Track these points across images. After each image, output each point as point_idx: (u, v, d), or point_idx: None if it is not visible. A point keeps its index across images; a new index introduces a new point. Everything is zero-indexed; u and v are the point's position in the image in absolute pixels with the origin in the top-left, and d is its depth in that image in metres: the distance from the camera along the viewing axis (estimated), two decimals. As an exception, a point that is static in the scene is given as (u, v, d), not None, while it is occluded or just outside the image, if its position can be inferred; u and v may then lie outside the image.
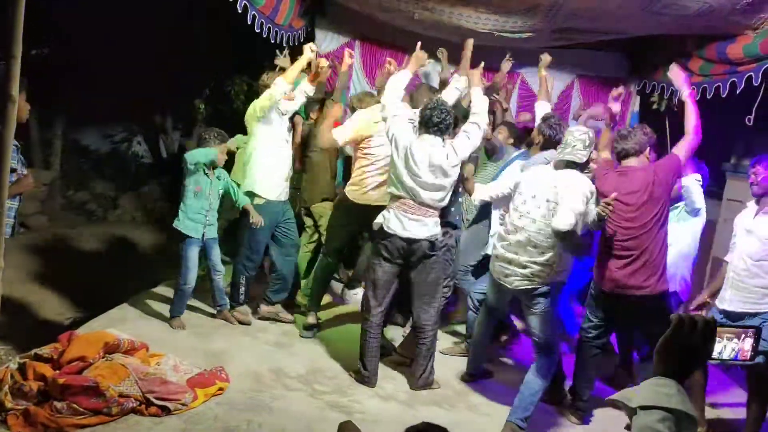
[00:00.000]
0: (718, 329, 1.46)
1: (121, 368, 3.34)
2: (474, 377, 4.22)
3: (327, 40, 6.18)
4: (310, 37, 6.11)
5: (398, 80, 3.95)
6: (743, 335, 1.52)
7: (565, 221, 3.29)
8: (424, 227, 3.74)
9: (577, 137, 3.53)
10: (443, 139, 3.73)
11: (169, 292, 5.09)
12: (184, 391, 3.37)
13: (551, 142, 3.97)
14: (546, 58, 4.91)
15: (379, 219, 3.83)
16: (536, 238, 3.51)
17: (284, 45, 5.54)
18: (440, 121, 3.68)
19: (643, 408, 1.32)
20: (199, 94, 8.11)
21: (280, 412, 3.47)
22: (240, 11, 4.24)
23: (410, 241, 3.74)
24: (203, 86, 8.10)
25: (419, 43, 4.24)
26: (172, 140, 9.23)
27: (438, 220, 3.83)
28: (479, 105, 3.88)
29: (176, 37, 7.35)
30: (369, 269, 3.95)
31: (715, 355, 1.48)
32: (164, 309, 4.65)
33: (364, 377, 3.94)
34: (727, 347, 1.51)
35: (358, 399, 3.78)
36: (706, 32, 4.67)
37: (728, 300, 3.55)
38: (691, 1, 4.14)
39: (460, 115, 4.10)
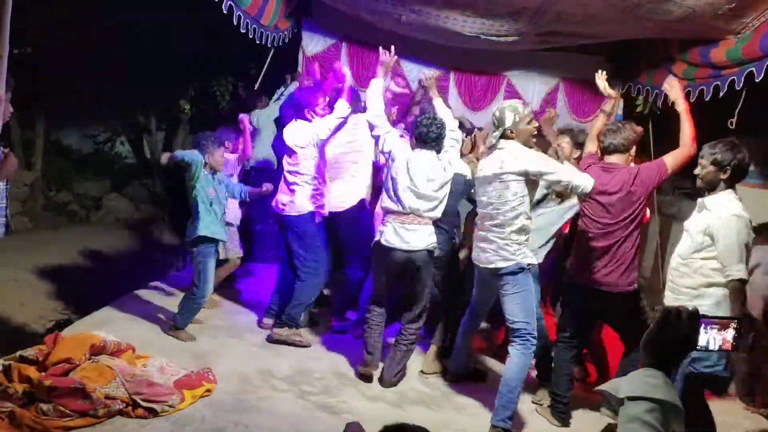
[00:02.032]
0: (703, 320, 1.50)
1: (108, 370, 3.31)
2: (459, 377, 4.19)
3: (313, 42, 6.19)
4: (296, 39, 6.13)
5: (375, 91, 4.02)
6: (727, 326, 1.56)
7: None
8: (422, 237, 3.82)
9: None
10: (437, 153, 3.83)
11: (154, 293, 5.09)
12: (171, 393, 3.35)
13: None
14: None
15: (377, 236, 3.92)
16: (496, 214, 3.54)
17: (270, 46, 5.55)
18: (437, 136, 3.80)
19: (631, 399, 1.35)
20: (184, 94, 8.07)
21: (268, 412, 3.46)
22: (225, 12, 4.22)
23: (410, 252, 3.81)
24: (188, 86, 8.06)
25: (381, 48, 4.18)
26: (156, 141, 9.16)
27: (433, 229, 3.89)
28: (447, 117, 3.94)
29: (161, 37, 7.31)
30: (373, 281, 4.09)
31: (700, 345, 1.52)
32: (151, 310, 4.63)
33: (367, 361, 4.04)
34: (711, 338, 1.54)
35: (345, 399, 3.78)
36: (688, 36, 4.74)
37: (668, 302, 3.36)
38: (673, 6, 4.19)
39: None
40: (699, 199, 3.30)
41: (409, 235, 3.80)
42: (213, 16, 4.36)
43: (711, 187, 3.16)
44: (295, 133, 4.36)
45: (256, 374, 3.92)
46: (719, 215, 3.08)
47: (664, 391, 1.38)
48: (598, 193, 3.55)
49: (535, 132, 3.62)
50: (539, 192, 3.87)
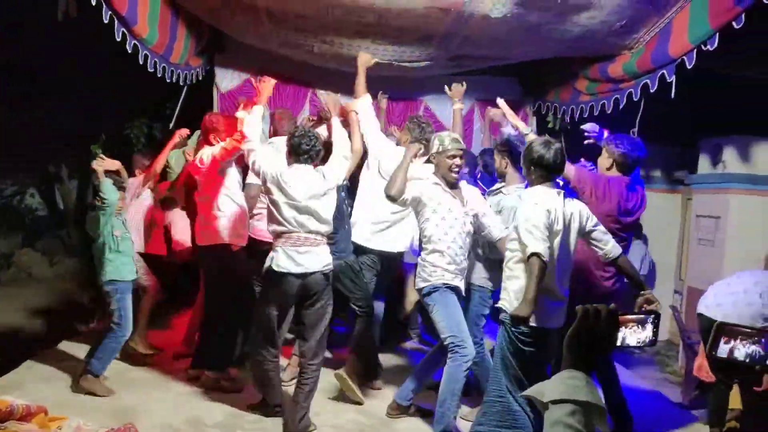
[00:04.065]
0: (621, 318, 1.52)
1: (16, 437, 3.04)
2: (402, 410, 3.94)
3: (227, 78, 6.10)
4: (209, 75, 6.03)
5: (255, 116, 3.90)
6: (645, 322, 1.58)
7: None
8: (316, 258, 3.61)
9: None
10: (314, 167, 3.69)
11: (70, 351, 4.78)
12: (89, 454, 3.10)
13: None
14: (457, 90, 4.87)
15: (267, 261, 3.65)
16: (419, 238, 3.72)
17: (182, 84, 5.43)
18: (310, 148, 3.63)
19: (554, 402, 1.34)
20: (96, 139, 7.75)
21: (199, 463, 3.28)
22: (130, 51, 4.09)
23: (304, 276, 3.58)
24: (100, 130, 7.76)
25: (273, 81, 4.19)
26: (68, 189, 8.74)
27: (327, 248, 3.72)
28: (338, 135, 3.95)
29: (67, 79, 7.02)
30: (260, 313, 3.72)
31: (619, 343, 1.53)
32: (66, 369, 4.35)
33: (278, 411, 3.79)
34: (629, 334, 1.56)
35: (281, 440, 3.63)
36: (588, 54, 5.00)
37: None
38: (571, 25, 4.41)
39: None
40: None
41: (302, 257, 3.56)
42: (121, 56, 4.21)
43: (531, 185, 3.33)
44: (198, 157, 4.25)
45: (185, 424, 3.71)
46: (522, 205, 3.24)
47: (586, 392, 1.38)
48: (624, 213, 3.64)
49: (456, 169, 3.65)
50: None
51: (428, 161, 3.76)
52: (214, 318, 4.30)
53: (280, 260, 3.56)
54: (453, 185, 3.69)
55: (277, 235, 3.63)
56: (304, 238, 3.59)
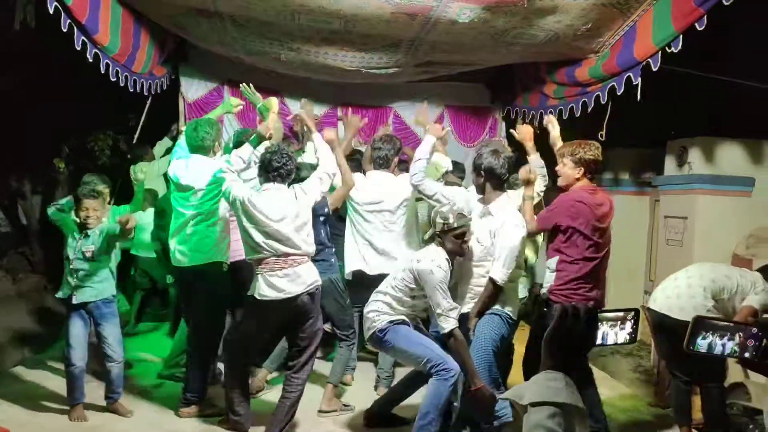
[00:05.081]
0: (601, 315, 1.51)
1: (-25, 462, 2.91)
2: (375, 421, 3.91)
3: (193, 87, 6.00)
4: (174, 85, 5.93)
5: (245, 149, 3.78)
6: (624, 320, 1.57)
7: None
8: (297, 280, 3.47)
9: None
10: (287, 185, 3.56)
11: (33, 371, 4.64)
12: (54, 478, 2.98)
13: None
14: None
15: (250, 290, 3.56)
16: None
17: (147, 93, 5.32)
18: (280, 166, 3.48)
19: (534, 404, 1.31)
20: (58, 152, 7.56)
21: (170, 482, 3.17)
22: (91, 59, 3.98)
23: (288, 302, 3.47)
24: (62, 143, 7.56)
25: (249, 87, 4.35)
26: (32, 205, 8.48)
27: (311, 265, 3.58)
28: (323, 151, 3.84)
29: (26, 90, 6.83)
30: (240, 333, 3.70)
31: (599, 341, 1.52)
32: (28, 390, 4.23)
33: (238, 423, 3.68)
34: (609, 333, 1.55)
35: (255, 456, 3.54)
36: (555, 58, 5.04)
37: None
38: (537, 30, 4.44)
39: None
40: (482, 206, 3.61)
41: (283, 282, 3.44)
42: (84, 66, 4.09)
43: (481, 193, 3.58)
44: (194, 168, 3.94)
45: (155, 442, 3.61)
46: (500, 220, 3.47)
47: (566, 393, 1.35)
48: (598, 220, 3.58)
49: (466, 246, 3.48)
50: None
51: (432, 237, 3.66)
52: (200, 341, 4.09)
53: (262, 289, 3.46)
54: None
55: (256, 262, 3.51)
56: (282, 261, 3.45)
